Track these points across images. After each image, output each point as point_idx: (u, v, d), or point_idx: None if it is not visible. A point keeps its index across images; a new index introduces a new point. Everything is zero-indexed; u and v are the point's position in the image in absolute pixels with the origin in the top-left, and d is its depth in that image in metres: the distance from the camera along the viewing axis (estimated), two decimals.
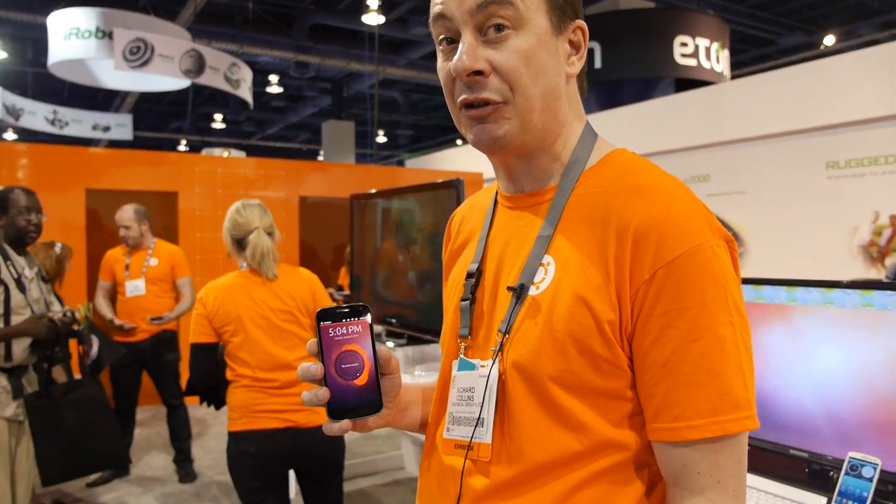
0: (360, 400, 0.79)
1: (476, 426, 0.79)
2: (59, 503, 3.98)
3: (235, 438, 2.27)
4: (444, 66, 0.80)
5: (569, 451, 0.74)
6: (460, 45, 0.77)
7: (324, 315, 0.79)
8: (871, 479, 1.26)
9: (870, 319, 1.34)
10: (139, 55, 7.58)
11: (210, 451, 4.72)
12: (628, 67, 8.91)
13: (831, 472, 1.44)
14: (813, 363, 1.46)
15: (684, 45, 8.72)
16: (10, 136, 16.68)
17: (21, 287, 2.67)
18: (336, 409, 0.78)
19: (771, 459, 1.58)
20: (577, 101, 0.85)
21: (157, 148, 19.76)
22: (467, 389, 0.82)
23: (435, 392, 0.91)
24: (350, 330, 0.79)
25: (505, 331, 0.79)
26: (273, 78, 13.39)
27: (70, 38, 7.82)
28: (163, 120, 18.03)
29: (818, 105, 5.52)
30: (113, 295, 4.24)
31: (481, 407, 0.79)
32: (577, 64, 0.82)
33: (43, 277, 3.01)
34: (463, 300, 0.87)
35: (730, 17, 10.92)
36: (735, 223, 6.24)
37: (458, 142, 21.21)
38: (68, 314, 2.81)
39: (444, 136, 21.53)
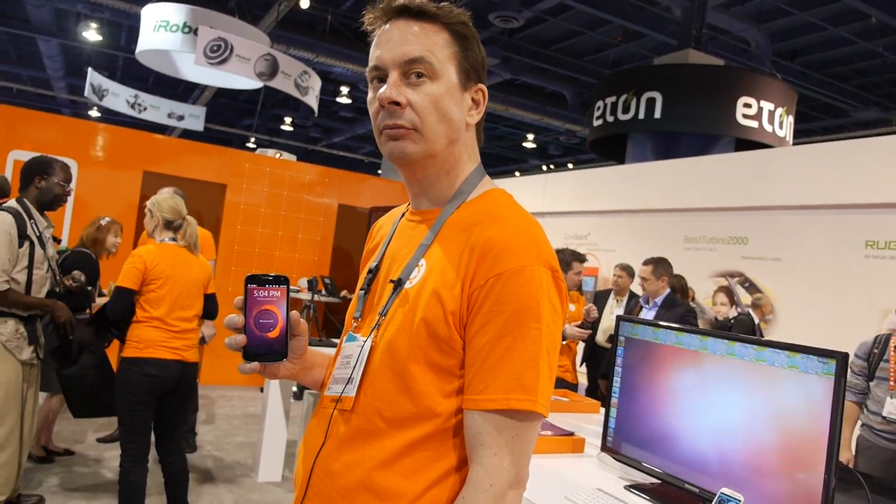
0: (269, 349, 0.98)
1: (347, 384, 0.99)
2: (69, 452, 4.24)
3: (136, 362, 2.96)
4: (372, 99, 1.01)
5: (405, 412, 0.93)
6: (387, 81, 0.97)
7: (252, 279, 0.98)
8: None
9: (761, 373, 1.40)
10: (219, 53, 8.02)
11: (214, 429, 4.92)
12: (687, 121, 8.89)
13: None
14: (712, 405, 1.53)
15: (748, 105, 8.64)
16: (94, 113, 17.75)
17: (42, 244, 2.99)
18: (250, 353, 0.97)
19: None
20: (474, 146, 1.07)
21: (226, 142, 20.63)
22: (347, 357, 1.03)
23: (330, 362, 1.11)
24: (270, 294, 0.98)
25: (382, 313, 1.00)
26: (344, 89, 13.87)
27: (159, 30, 8.33)
28: (236, 116, 18.84)
29: (863, 182, 5.43)
30: None
31: (353, 369, 0.99)
32: (476, 116, 1.04)
33: (54, 238, 3.32)
34: (361, 290, 1.10)
35: (804, 83, 10.76)
36: (768, 289, 6.14)
37: (517, 174, 21.39)
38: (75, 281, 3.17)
39: (504, 165, 21.73)
